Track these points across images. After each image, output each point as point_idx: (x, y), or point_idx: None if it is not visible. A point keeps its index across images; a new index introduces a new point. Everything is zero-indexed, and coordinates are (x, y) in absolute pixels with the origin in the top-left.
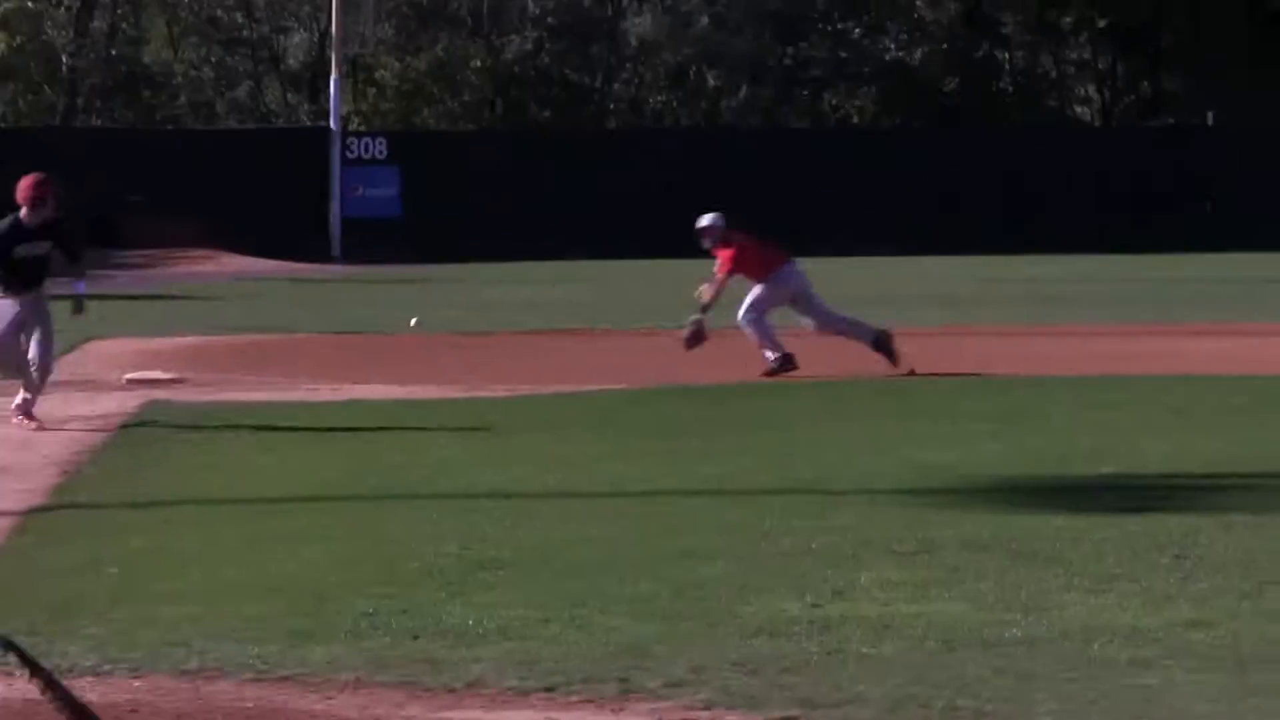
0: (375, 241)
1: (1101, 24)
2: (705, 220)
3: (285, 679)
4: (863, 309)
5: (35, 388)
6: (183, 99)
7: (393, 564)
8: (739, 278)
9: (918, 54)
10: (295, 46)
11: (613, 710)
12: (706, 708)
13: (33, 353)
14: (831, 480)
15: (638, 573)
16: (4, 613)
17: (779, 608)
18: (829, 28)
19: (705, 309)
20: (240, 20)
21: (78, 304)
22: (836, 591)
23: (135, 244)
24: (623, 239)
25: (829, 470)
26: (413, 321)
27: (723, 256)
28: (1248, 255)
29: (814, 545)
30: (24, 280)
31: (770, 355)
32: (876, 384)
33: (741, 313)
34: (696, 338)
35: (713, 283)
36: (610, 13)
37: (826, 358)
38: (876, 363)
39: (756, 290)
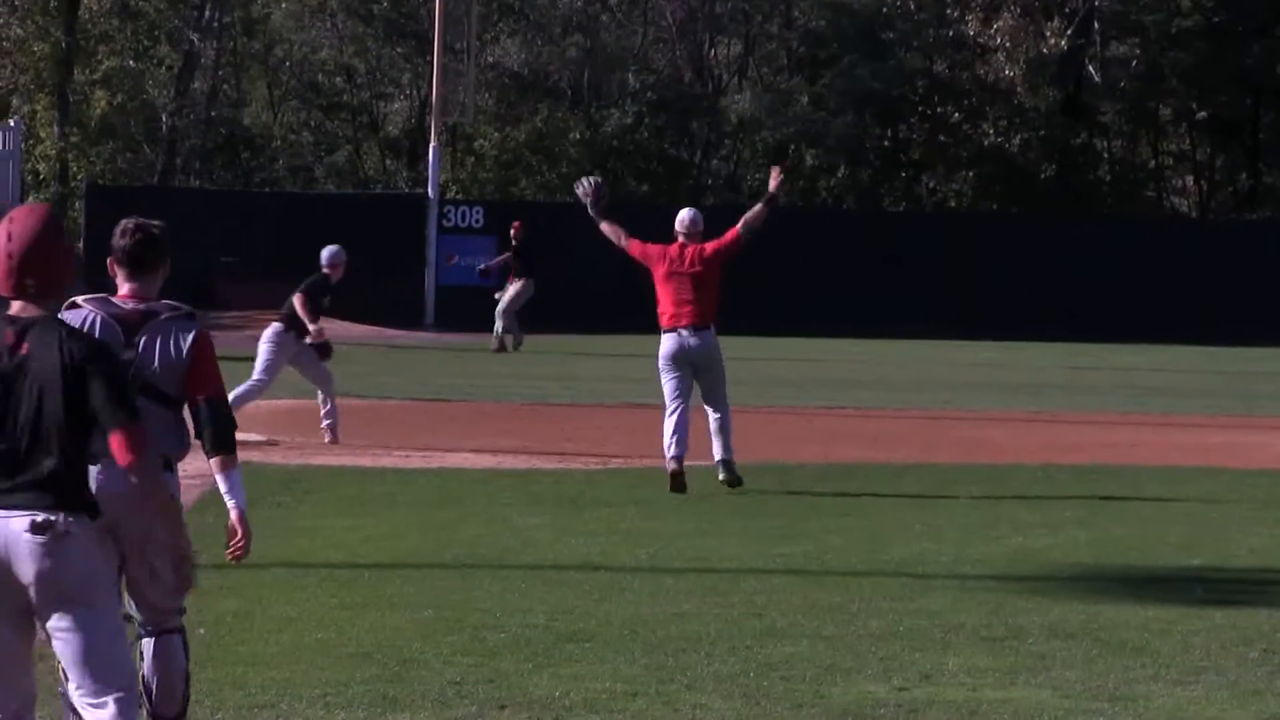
0: (469, 309)
1: (1201, 115)
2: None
3: None
4: (953, 393)
5: None
6: (281, 162)
7: (479, 633)
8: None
9: (1016, 140)
10: (395, 113)
11: None
12: None
13: None
14: (921, 564)
15: (725, 650)
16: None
17: (865, 690)
18: (928, 111)
19: None
20: (341, 85)
21: None
22: (924, 675)
23: (229, 305)
24: (718, 315)
25: (918, 553)
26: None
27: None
28: None
29: (902, 628)
30: None
31: None
32: (967, 469)
33: None
34: None
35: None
36: (710, 90)
37: (922, 442)
38: (975, 449)
39: None
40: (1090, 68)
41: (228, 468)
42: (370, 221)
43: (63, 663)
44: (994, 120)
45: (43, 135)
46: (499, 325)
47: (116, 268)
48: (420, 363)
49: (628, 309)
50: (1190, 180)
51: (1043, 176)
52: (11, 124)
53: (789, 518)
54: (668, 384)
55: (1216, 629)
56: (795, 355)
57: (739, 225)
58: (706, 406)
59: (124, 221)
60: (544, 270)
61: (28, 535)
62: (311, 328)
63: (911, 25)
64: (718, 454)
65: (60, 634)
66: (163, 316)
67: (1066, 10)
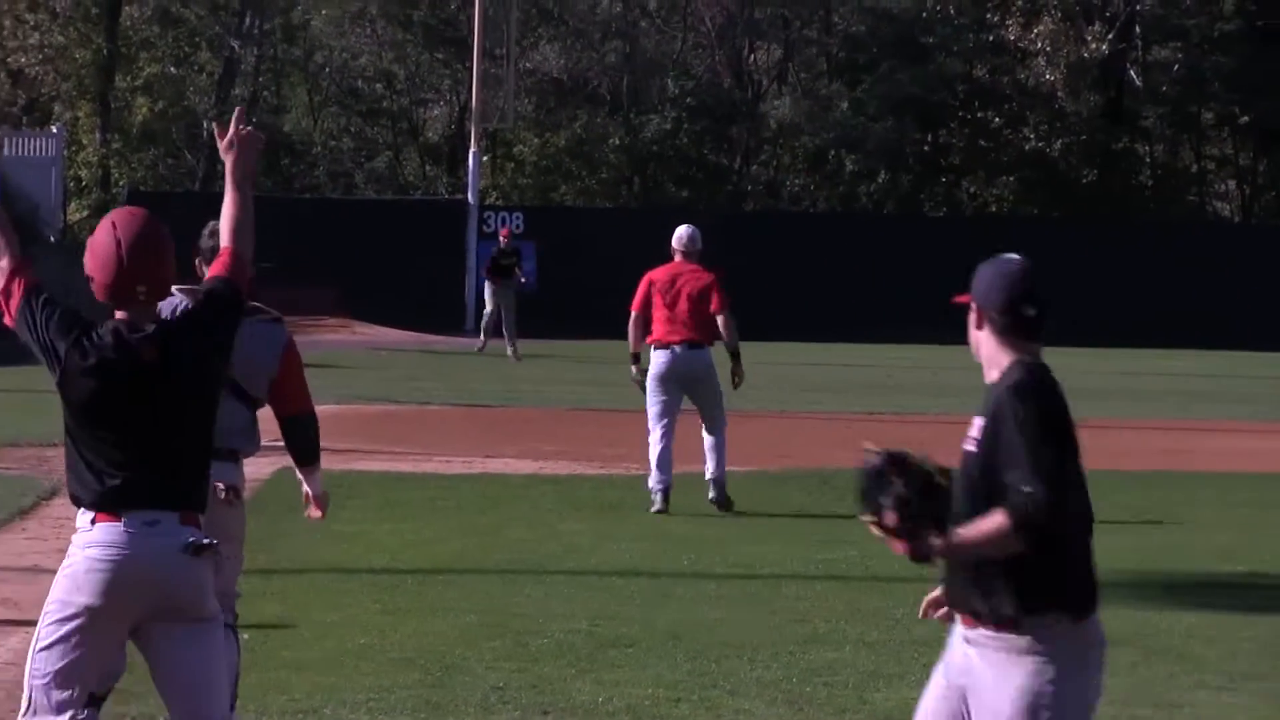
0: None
1: (1243, 119)
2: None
3: None
4: None
5: None
6: (321, 168)
7: (522, 639)
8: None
9: (1057, 145)
10: (435, 119)
11: None
12: None
13: None
14: None
15: (768, 656)
16: (141, 675)
17: (908, 696)
18: (969, 116)
19: None
20: (380, 91)
21: None
22: None
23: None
24: (758, 321)
25: None
26: None
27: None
28: None
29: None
30: None
31: None
32: None
33: None
34: None
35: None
36: (750, 95)
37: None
38: None
39: None
40: (1131, 72)
41: (311, 473)
42: (410, 228)
43: (169, 683)
44: (1035, 125)
45: (84, 142)
46: (509, 335)
47: (204, 267)
48: (460, 368)
49: None
50: (1233, 185)
51: (1084, 181)
52: (54, 131)
53: (831, 523)
54: (654, 405)
55: (1262, 636)
56: (835, 360)
57: (726, 316)
58: (703, 427)
59: (212, 222)
60: (580, 275)
61: (181, 555)
62: None
63: (951, 30)
64: (710, 472)
65: (179, 652)
66: (255, 317)
67: (1107, 14)
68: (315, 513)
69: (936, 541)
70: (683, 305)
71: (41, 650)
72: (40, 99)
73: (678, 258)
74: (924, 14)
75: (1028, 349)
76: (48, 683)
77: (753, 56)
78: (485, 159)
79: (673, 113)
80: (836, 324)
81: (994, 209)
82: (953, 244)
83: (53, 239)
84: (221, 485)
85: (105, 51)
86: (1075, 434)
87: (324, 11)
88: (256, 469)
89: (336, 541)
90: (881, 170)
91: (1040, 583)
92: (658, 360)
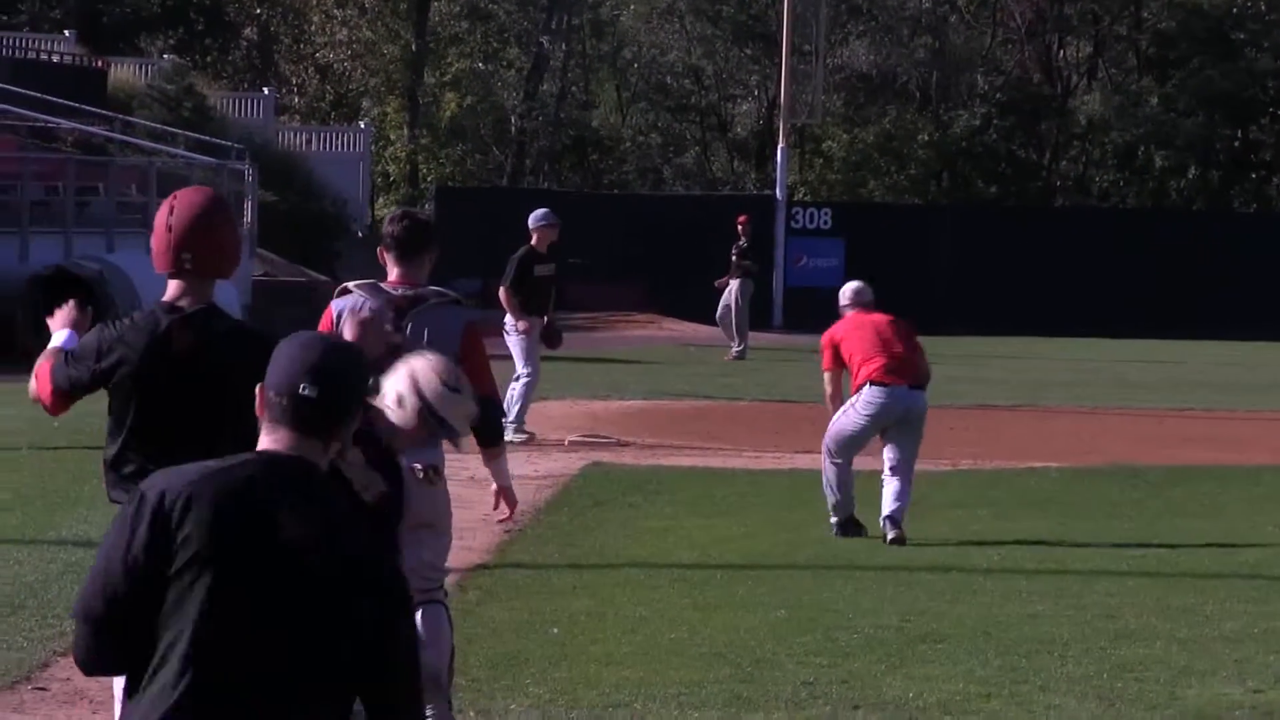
0: (817, 311)
1: None
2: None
3: None
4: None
5: None
6: (630, 164)
7: (832, 634)
8: None
9: None
10: (743, 115)
11: None
12: None
13: None
14: (1275, 566)
15: (1078, 652)
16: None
17: (1219, 692)
18: (1279, 112)
19: None
20: (689, 87)
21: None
22: (1279, 678)
23: (578, 306)
24: (1065, 317)
25: (1272, 556)
26: None
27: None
28: None
29: (1256, 630)
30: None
31: None
32: None
33: None
34: None
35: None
36: (1059, 91)
37: (1275, 444)
38: None
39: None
40: None
41: (494, 458)
42: (718, 223)
43: None
44: None
45: (392, 138)
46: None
47: (386, 254)
48: (770, 364)
49: (970, 309)
50: None
51: None
52: (361, 126)
53: (1141, 520)
54: (853, 435)
55: None
56: (1146, 357)
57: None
58: (893, 471)
59: (393, 210)
60: (888, 272)
61: None
62: (514, 320)
63: (1262, 25)
64: (890, 509)
65: None
66: (431, 302)
67: None
68: (503, 512)
69: None
70: (900, 338)
71: None
72: (348, 94)
73: (852, 313)
74: (1234, 9)
75: (289, 440)
76: None
77: (1062, 52)
78: (794, 154)
79: (982, 108)
80: (1145, 319)
81: None
82: (1263, 241)
83: (360, 234)
84: (419, 465)
85: (414, 47)
86: (160, 577)
87: (633, 7)
88: (567, 463)
89: (645, 536)
90: (1191, 166)
91: None
92: (879, 397)
